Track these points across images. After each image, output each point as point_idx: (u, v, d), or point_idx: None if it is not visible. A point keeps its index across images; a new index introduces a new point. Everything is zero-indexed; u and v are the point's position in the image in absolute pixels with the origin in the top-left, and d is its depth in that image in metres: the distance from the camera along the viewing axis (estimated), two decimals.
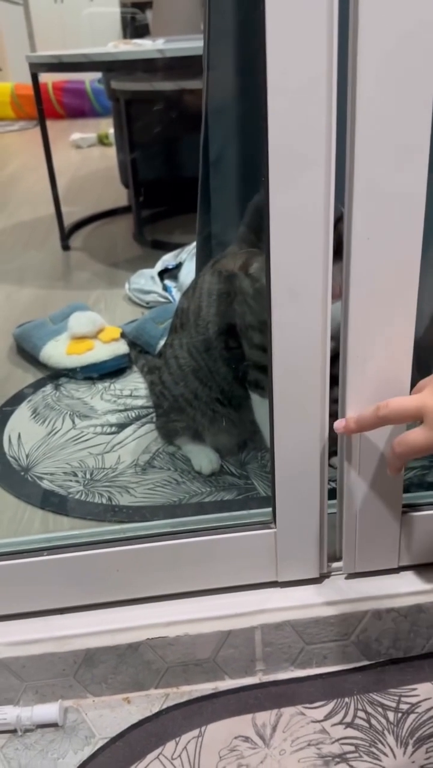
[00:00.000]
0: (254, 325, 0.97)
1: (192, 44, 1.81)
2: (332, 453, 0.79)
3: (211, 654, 0.83)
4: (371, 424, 0.73)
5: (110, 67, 2.14)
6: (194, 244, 1.48)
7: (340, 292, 0.71)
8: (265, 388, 0.91)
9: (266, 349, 0.74)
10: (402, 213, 0.66)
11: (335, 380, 0.75)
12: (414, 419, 0.69)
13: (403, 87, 0.61)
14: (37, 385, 1.46)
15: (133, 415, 1.32)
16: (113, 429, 1.28)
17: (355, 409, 0.74)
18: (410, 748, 0.76)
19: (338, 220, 0.69)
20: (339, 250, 0.70)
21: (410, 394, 0.72)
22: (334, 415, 0.77)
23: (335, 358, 0.74)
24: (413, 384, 0.73)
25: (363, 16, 0.59)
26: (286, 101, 0.62)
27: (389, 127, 0.63)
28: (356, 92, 0.61)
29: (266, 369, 0.76)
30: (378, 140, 0.63)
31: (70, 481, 1.15)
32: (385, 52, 0.60)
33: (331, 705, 0.81)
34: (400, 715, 0.79)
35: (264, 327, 0.75)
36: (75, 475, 1.16)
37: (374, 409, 0.71)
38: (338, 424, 0.75)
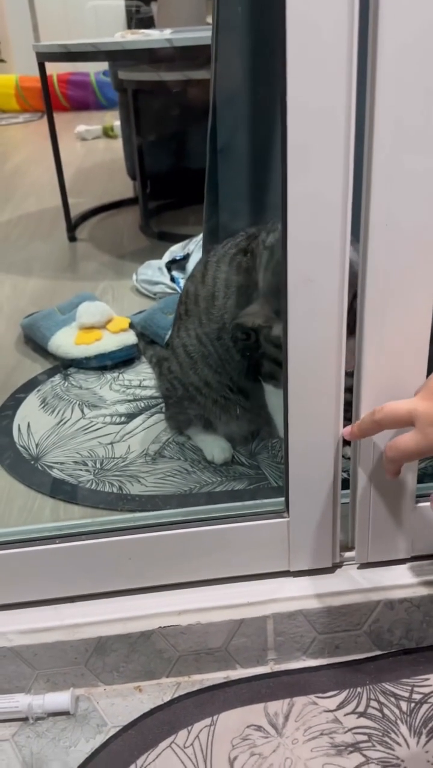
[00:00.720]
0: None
1: (200, 34, 1.80)
2: (346, 443, 0.78)
3: (223, 643, 0.83)
4: (371, 429, 0.73)
5: (118, 56, 2.13)
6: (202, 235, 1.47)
7: (353, 365, 0.73)
8: (279, 379, 0.90)
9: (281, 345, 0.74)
10: (420, 199, 0.65)
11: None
12: (406, 424, 0.69)
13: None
14: (48, 373, 1.46)
15: (143, 405, 1.32)
16: (123, 419, 1.28)
17: (367, 406, 0.74)
18: (423, 738, 0.76)
19: (354, 299, 0.70)
20: (353, 329, 0.71)
21: None
22: (348, 404, 0.76)
23: None
24: None
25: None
26: (305, 88, 0.62)
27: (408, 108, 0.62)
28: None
29: (281, 362, 0.75)
30: (395, 124, 0.63)
31: (80, 470, 1.15)
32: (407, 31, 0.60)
33: (343, 694, 0.81)
34: (413, 705, 0.79)
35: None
36: (85, 464, 1.16)
37: (371, 414, 0.71)
38: (345, 431, 0.76)
